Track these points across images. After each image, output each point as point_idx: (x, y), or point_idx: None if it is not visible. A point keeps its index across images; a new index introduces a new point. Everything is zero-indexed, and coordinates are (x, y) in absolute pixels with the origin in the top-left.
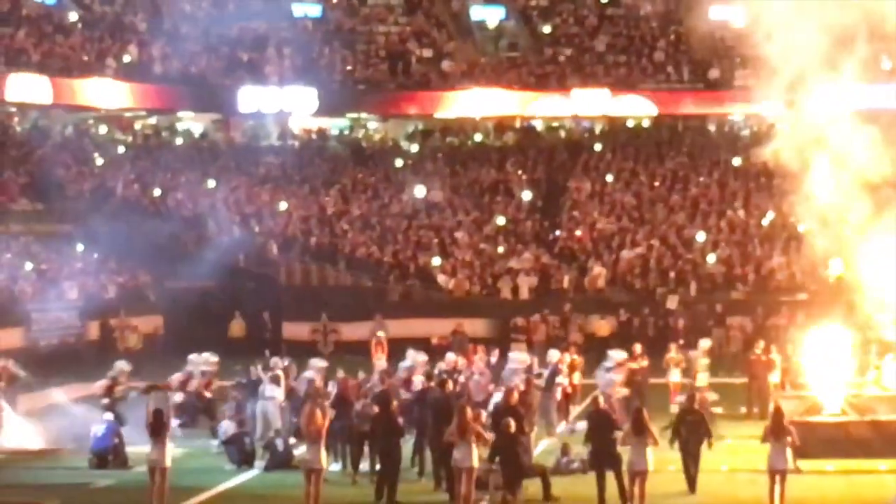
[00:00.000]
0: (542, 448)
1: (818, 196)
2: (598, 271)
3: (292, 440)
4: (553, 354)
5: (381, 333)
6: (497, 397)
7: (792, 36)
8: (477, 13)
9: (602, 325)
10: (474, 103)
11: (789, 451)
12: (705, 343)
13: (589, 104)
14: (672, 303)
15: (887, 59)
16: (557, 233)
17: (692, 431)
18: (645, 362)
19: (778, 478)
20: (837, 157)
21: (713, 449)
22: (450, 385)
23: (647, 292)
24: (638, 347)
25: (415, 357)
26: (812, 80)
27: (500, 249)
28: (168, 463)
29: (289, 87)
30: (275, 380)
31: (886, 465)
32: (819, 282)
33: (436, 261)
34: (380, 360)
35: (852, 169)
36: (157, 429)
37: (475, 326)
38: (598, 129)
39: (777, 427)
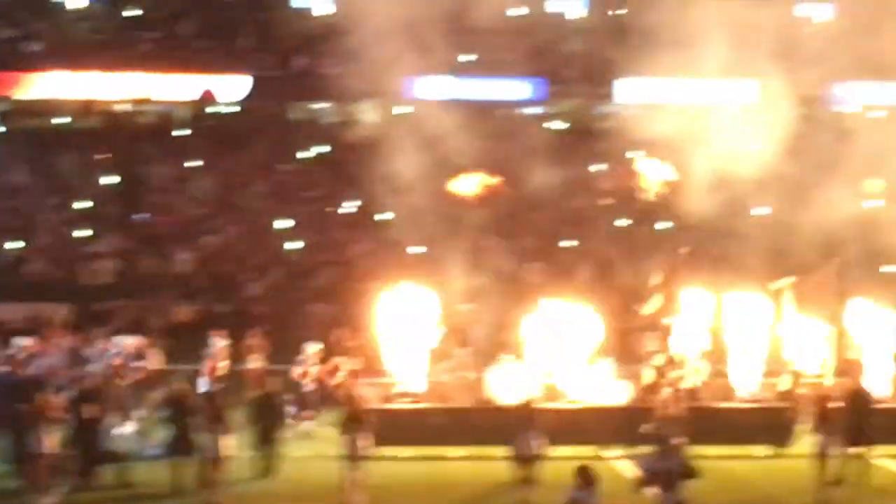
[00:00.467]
0: (118, 432)
1: (403, 185)
2: (181, 257)
3: None
4: (123, 341)
5: None
6: (75, 382)
7: (378, 26)
8: None
9: (184, 312)
10: (57, 85)
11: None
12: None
13: (174, 89)
14: (254, 290)
15: (469, 53)
16: (140, 217)
17: (265, 417)
18: (225, 350)
19: None
20: (422, 147)
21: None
22: (25, 368)
23: (229, 279)
24: (218, 336)
25: None
26: (398, 71)
27: (82, 234)
28: None
29: None
30: None
31: (463, 451)
32: (399, 269)
33: (17, 244)
34: None
35: (437, 158)
36: None
37: (55, 310)
38: (182, 114)
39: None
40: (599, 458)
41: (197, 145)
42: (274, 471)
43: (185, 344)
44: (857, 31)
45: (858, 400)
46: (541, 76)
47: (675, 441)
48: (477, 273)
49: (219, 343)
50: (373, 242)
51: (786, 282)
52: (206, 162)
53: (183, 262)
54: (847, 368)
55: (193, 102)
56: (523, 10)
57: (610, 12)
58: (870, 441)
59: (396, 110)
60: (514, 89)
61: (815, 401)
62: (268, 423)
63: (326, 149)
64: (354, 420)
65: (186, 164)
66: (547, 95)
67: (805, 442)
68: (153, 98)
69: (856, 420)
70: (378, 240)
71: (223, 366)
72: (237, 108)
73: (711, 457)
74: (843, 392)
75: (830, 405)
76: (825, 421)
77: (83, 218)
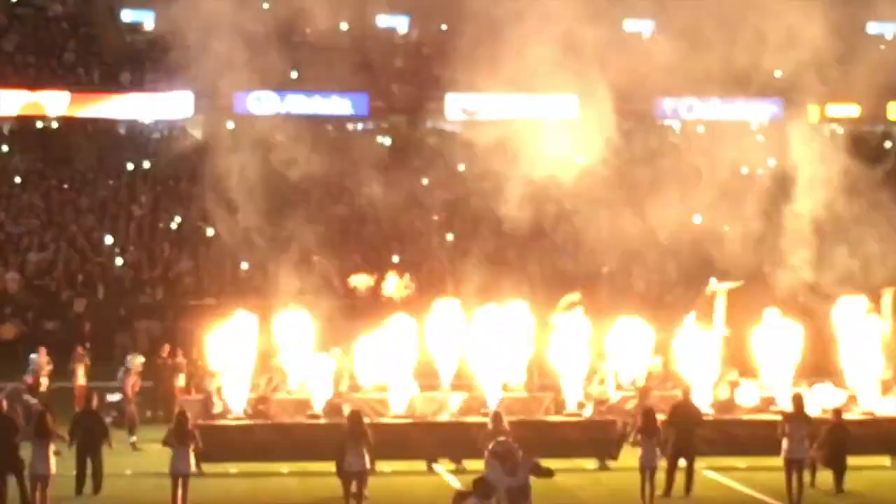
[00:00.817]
0: None
1: (227, 200)
2: (10, 275)
3: None
4: None
5: None
6: None
7: (206, 41)
8: None
9: (8, 329)
10: None
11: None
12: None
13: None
14: (79, 306)
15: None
16: None
17: (88, 433)
18: (49, 366)
19: None
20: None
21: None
22: None
23: (55, 295)
24: (43, 352)
25: None
26: (227, 86)
27: None
28: None
29: None
30: None
31: (288, 467)
32: (226, 285)
33: None
34: None
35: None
36: None
37: None
38: (6, 130)
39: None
40: (431, 471)
41: (20, 161)
42: (98, 488)
43: (9, 361)
44: (680, 46)
45: (684, 413)
46: (369, 91)
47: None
48: (305, 288)
49: (42, 358)
50: (199, 258)
51: (573, 297)
52: (29, 177)
53: (8, 279)
54: (672, 382)
55: (16, 118)
56: (351, 27)
57: (435, 28)
58: (695, 453)
59: (225, 125)
60: (341, 105)
61: (641, 413)
62: (91, 439)
63: (149, 164)
64: (181, 435)
65: (11, 180)
66: (368, 111)
67: (631, 455)
68: None
69: (682, 432)
70: (204, 256)
71: (45, 382)
72: (57, 124)
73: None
74: (670, 405)
75: (656, 417)
76: (651, 433)
77: None
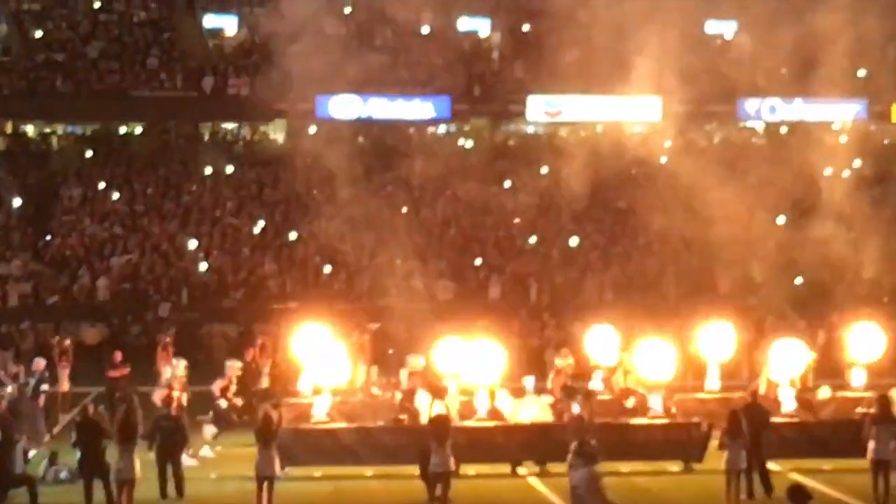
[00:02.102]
0: (30, 456)
1: (309, 204)
2: (90, 278)
3: None
4: (39, 362)
5: None
6: None
7: (288, 46)
8: None
9: (91, 333)
10: None
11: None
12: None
13: (82, 110)
14: (164, 310)
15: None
16: (48, 239)
17: (167, 438)
18: (127, 369)
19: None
20: (330, 166)
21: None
22: None
23: (138, 300)
24: (118, 355)
25: None
26: (308, 91)
27: None
28: None
29: None
30: None
31: (372, 470)
32: (310, 289)
33: None
34: None
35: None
36: None
37: None
38: (90, 135)
39: (735, 428)
40: (515, 475)
41: (104, 166)
42: (181, 491)
43: (93, 366)
44: (762, 47)
45: (752, 415)
46: (452, 94)
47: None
48: (389, 291)
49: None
50: (281, 262)
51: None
52: (112, 182)
53: (91, 283)
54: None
55: (101, 123)
56: (433, 30)
57: (517, 30)
58: (764, 456)
59: (307, 129)
60: (424, 108)
61: (726, 416)
62: (170, 443)
63: (232, 169)
64: (266, 437)
65: (95, 185)
66: (451, 114)
67: (716, 457)
68: (60, 119)
69: (750, 436)
70: (286, 260)
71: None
72: (141, 129)
73: (624, 473)
74: (742, 407)
75: (741, 419)
76: (736, 435)
77: None
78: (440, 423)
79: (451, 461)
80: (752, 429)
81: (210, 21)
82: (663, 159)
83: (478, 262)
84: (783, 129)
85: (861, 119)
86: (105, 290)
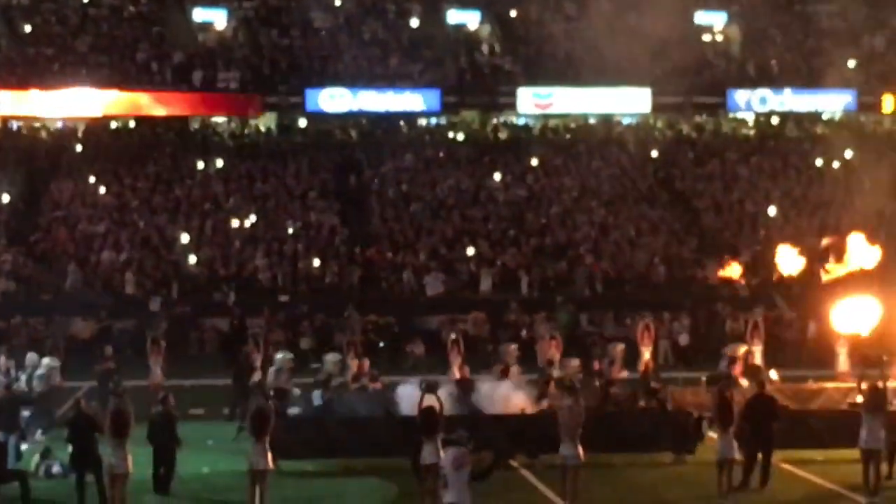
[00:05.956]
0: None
1: (301, 197)
2: (81, 273)
3: None
4: (31, 358)
5: None
6: None
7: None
8: None
9: (83, 328)
10: None
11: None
12: None
13: (71, 104)
14: (154, 305)
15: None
16: (37, 235)
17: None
18: (112, 364)
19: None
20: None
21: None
22: None
23: (129, 294)
24: (109, 349)
25: None
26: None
27: None
28: None
29: None
30: None
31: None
32: (299, 283)
33: None
34: None
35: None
36: None
37: None
38: (80, 130)
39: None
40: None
41: (94, 160)
42: (168, 487)
43: (84, 360)
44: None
45: (760, 406)
46: (442, 87)
47: None
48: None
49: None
50: (272, 256)
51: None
52: (102, 177)
53: (81, 277)
54: (751, 373)
55: (91, 118)
56: (422, 23)
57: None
58: (772, 447)
59: (297, 122)
60: (413, 101)
61: (716, 404)
62: (166, 438)
63: (223, 163)
64: (260, 429)
65: (86, 179)
66: (441, 107)
67: (708, 449)
68: (49, 114)
69: (758, 426)
70: (277, 253)
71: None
72: (131, 123)
73: (617, 465)
74: (746, 397)
75: (732, 407)
76: (726, 424)
77: None
78: (429, 415)
79: (441, 453)
80: (760, 419)
81: (199, 15)
82: (654, 152)
83: (470, 251)
84: (774, 120)
85: (851, 110)
86: (98, 284)
